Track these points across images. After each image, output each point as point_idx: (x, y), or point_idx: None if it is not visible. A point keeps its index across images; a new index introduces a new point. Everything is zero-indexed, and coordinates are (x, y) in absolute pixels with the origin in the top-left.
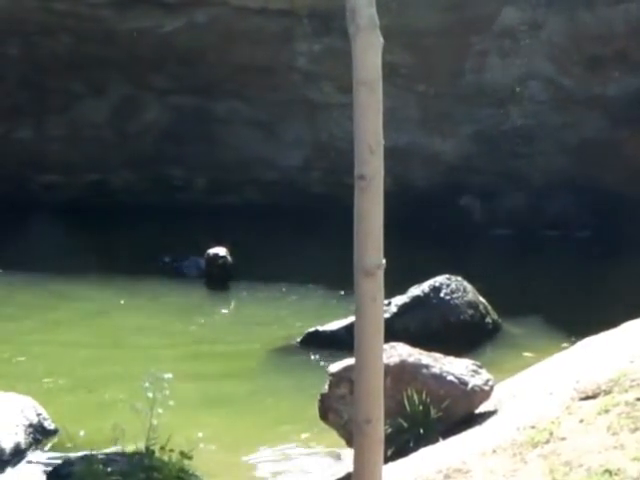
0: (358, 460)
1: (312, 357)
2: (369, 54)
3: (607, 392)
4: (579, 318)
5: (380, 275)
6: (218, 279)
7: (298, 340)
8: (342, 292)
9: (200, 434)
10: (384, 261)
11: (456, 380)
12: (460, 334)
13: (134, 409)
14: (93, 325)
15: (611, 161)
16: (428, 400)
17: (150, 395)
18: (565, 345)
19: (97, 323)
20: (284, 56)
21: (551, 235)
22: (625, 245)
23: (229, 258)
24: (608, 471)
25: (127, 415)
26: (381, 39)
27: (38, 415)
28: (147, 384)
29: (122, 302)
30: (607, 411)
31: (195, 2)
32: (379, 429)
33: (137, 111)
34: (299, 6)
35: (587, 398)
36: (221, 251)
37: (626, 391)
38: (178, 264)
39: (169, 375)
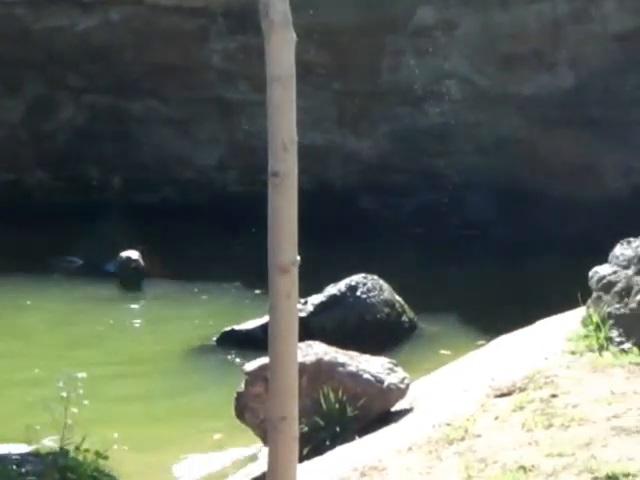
0: (272, 458)
1: (228, 356)
2: (283, 50)
3: (522, 389)
4: (495, 316)
5: (294, 272)
6: (131, 281)
7: (214, 339)
8: (257, 291)
9: (115, 434)
10: (298, 258)
11: (372, 378)
12: (376, 333)
13: (48, 409)
14: (2, 326)
15: (526, 160)
16: (344, 398)
17: (64, 395)
18: (481, 343)
19: (5, 324)
20: (199, 54)
21: (467, 234)
22: (540, 244)
23: (141, 261)
24: (522, 467)
25: (41, 415)
26: (294, 35)
27: None
28: (61, 383)
29: (28, 303)
30: (522, 408)
31: (109, 0)
32: (294, 426)
33: (52, 110)
34: (214, 4)
35: (502, 395)
36: (133, 254)
37: (540, 388)
38: (92, 265)
39: (83, 374)
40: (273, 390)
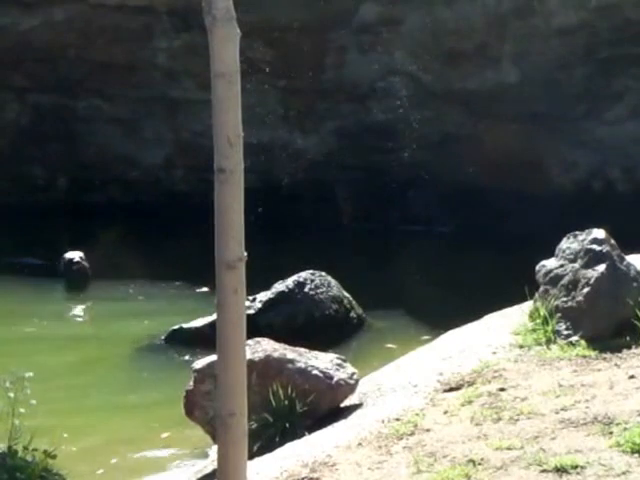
0: (222, 454)
1: (177, 354)
2: (226, 46)
3: (470, 383)
4: (442, 311)
5: (241, 268)
6: (75, 282)
7: (162, 338)
8: (205, 288)
9: (64, 434)
10: (245, 254)
11: (321, 374)
12: (325, 329)
13: None
14: None
15: (472, 155)
16: (293, 395)
17: (11, 395)
18: (429, 338)
19: None
20: (144, 53)
21: (414, 230)
22: (486, 239)
23: (85, 262)
24: (472, 461)
25: None
26: (238, 31)
27: None
28: (8, 383)
29: None
30: (470, 402)
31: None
32: (243, 422)
33: None
34: (158, 2)
35: (451, 390)
36: (77, 255)
37: (489, 382)
38: (38, 265)
39: (30, 374)
40: (222, 386)
